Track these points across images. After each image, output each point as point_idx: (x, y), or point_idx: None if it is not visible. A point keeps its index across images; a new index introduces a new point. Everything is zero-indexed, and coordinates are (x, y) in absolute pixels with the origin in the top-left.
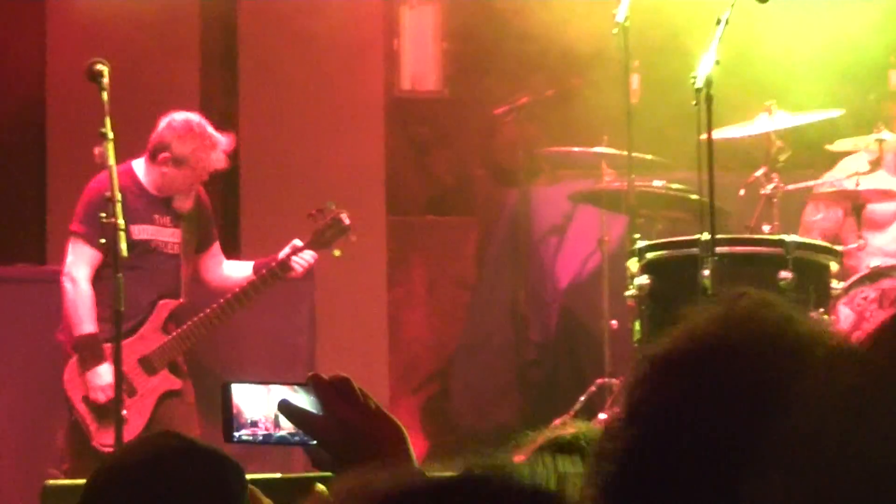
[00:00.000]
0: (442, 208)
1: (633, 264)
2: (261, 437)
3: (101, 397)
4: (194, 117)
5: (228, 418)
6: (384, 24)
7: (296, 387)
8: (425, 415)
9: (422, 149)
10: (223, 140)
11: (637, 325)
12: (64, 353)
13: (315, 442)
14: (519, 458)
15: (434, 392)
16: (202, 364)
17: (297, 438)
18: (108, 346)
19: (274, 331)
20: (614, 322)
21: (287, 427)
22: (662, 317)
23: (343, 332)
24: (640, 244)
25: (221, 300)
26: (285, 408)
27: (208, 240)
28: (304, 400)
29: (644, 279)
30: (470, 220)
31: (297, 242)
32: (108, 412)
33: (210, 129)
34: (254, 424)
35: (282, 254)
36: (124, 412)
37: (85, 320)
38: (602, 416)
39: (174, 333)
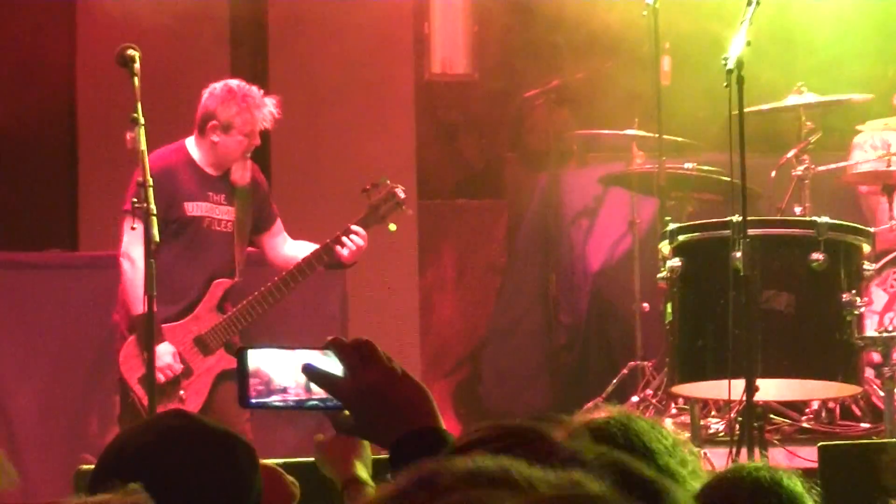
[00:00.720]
0: (472, 192)
1: (664, 247)
2: (292, 403)
3: (161, 377)
4: (233, 82)
5: (244, 383)
6: (414, 7)
7: (325, 351)
8: (457, 399)
9: (452, 132)
10: (267, 100)
11: (669, 308)
12: (119, 335)
13: (342, 407)
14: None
15: (465, 376)
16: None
17: (329, 404)
18: (165, 327)
19: (306, 317)
20: (646, 305)
21: (318, 393)
22: (694, 299)
23: (374, 318)
24: (672, 227)
25: (276, 278)
26: (309, 371)
27: (269, 219)
28: (332, 364)
29: (676, 262)
30: (500, 204)
31: (354, 228)
32: (166, 392)
33: (253, 90)
34: (284, 391)
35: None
36: (182, 392)
37: (143, 300)
38: (634, 398)
39: (229, 313)
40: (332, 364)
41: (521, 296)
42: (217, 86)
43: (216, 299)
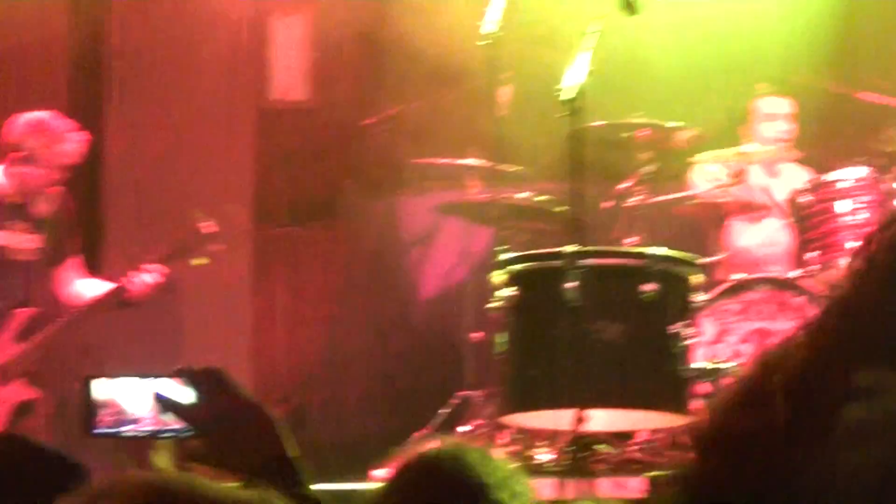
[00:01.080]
0: (308, 218)
1: (497, 276)
2: (146, 432)
3: None
4: (44, 114)
5: (88, 412)
6: (254, 33)
7: (174, 379)
8: (291, 423)
9: (290, 159)
10: (74, 134)
11: (500, 338)
12: None
13: (193, 432)
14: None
15: (296, 404)
16: (64, 373)
17: (182, 433)
18: None
19: (141, 340)
20: (478, 334)
21: (173, 422)
22: (526, 329)
23: (207, 342)
24: (505, 256)
25: (73, 311)
26: (160, 399)
27: (65, 253)
28: (184, 393)
29: (508, 291)
30: (337, 231)
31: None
32: None
33: (59, 123)
34: (136, 421)
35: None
36: None
37: None
38: (464, 428)
39: (29, 343)
40: (184, 392)
41: (353, 324)
42: (26, 116)
43: (16, 329)
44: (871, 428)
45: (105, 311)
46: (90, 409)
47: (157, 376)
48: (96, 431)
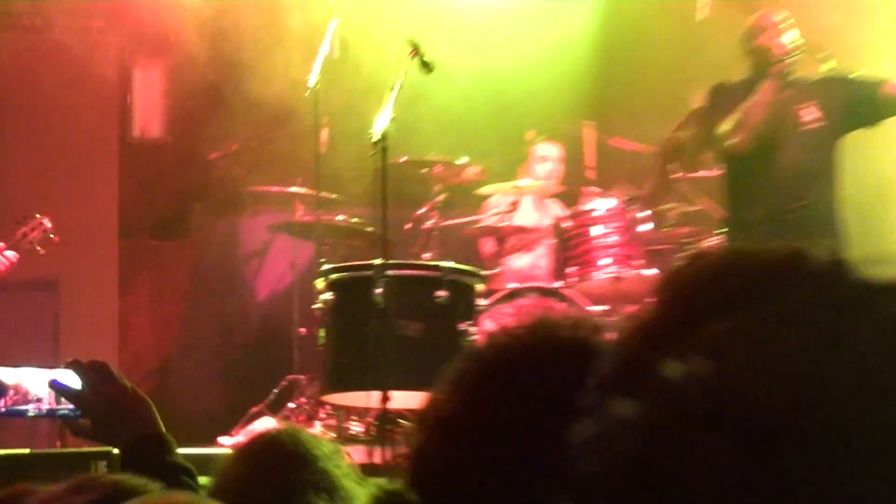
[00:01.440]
0: (165, 234)
1: (319, 283)
2: (45, 411)
3: None
4: None
5: None
6: (120, 80)
7: (65, 369)
8: (152, 401)
9: (148, 186)
10: None
11: (322, 332)
12: None
13: (79, 414)
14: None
15: (156, 384)
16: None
17: (72, 413)
18: None
19: (23, 333)
20: (303, 329)
21: (66, 404)
22: (342, 325)
23: (80, 334)
24: (325, 267)
25: None
26: (54, 385)
27: None
28: (75, 380)
29: (328, 295)
30: (187, 244)
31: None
32: None
33: None
34: (38, 401)
35: None
36: None
37: None
38: (291, 405)
39: None
40: (75, 380)
41: (202, 319)
42: None
43: None
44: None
45: None
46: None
47: (52, 367)
48: (3, 411)
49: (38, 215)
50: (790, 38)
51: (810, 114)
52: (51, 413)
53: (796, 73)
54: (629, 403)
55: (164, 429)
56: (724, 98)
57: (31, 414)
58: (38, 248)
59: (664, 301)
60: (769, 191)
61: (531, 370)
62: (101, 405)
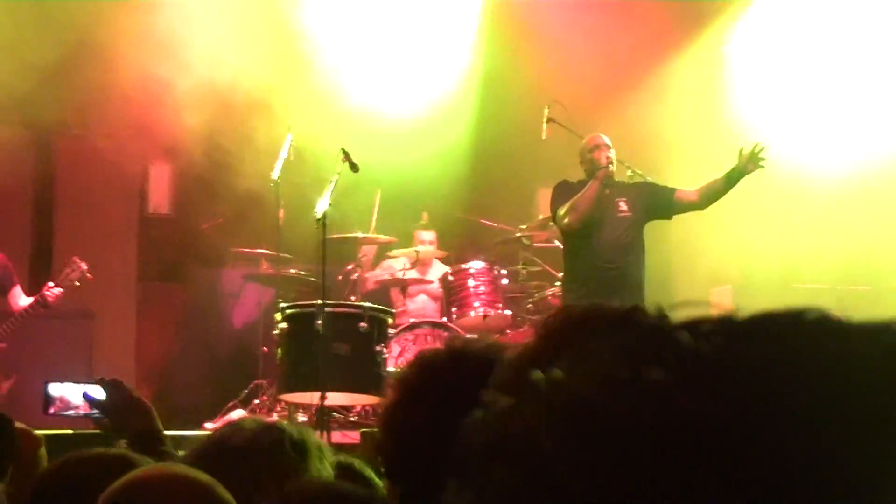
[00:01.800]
0: (169, 278)
1: (278, 316)
2: (82, 414)
3: None
4: None
5: (45, 401)
6: (140, 174)
7: (94, 385)
8: (158, 397)
9: (158, 246)
10: None
11: (279, 350)
12: None
13: (104, 416)
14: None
15: (161, 385)
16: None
17: (97, 415)
18: None
19: (65, 354)
20: (266, 348)
21: (93, 409)
22: (294, 346)
23: (109, 356)
24: (282, 305)
25: (12, 318)
26: (85, 397)
27: (10, 283)
28: (100, 392)
29: (284, 325)
30: (184, 287)
31: (50, 284)
32: None
33: None
34: (77, 407)
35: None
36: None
37: None
38: (256, 401)
39: None
40: (100, 392)
41: (196, 341)
42: None
43: None
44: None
45: (38, 311)
46: (47, 399)
47: (88, 381)
48: (50, 412)
49: (75, 258)
50: (611, 154)
51: (622, 206)
52: (86, 416)
53: (614, 178)
54: (507, 399)
55: (160, 426)
56: (565, 190)
57: (72, 415)
58: (77, 283)
59: (541, 335)
60: (592, 257)
61: (452, 375)
62: (117, 409)
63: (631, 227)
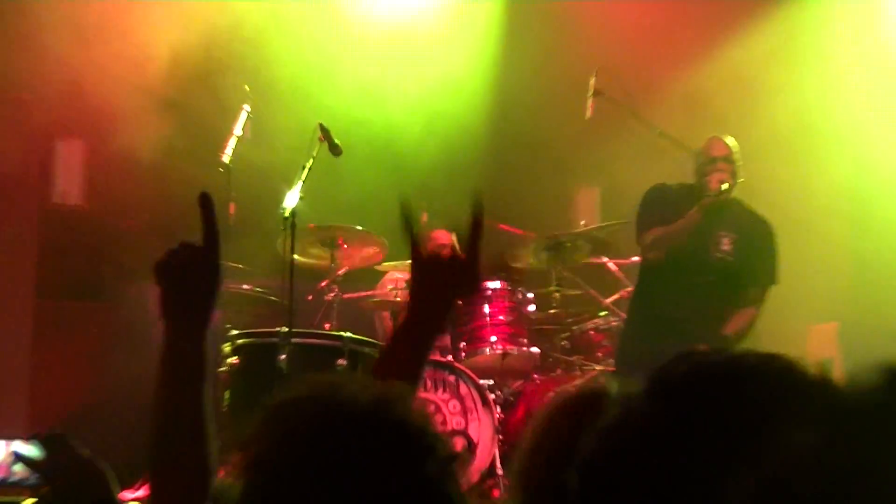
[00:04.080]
0: (80, 295)
1: (227, 347)
2: (16, 480)
3: None
4: None
5: None
6: (42, 152)
7: (29, 441)
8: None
9: (65, 250)
10: None
11: (227, 394)
12: None
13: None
14: None
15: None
16: None
17: (34, 481)
18: None
19: None
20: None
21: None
22: (246, 389)
23: None
24: (232, 332)
25: None
26: (17, 456)
27: None
28: (34, 449)
29: (233, 359)
30: (103, 306)
31: None
32: None
33: None
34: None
35: None
36: None
37: None
38: None
39: None
40: (36, 450)
41: (111, 380)
42: None
43: None
44: None
45: None
46: None
47: (17, 438)
48: None
49: None
50: (731, 171)
51: (724, 244)
52: (21, 482)
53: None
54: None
55: (116, 496)
56: (657, 205)
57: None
58: None
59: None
60: (665, 304)
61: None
62: (58, 474)
63: (731, 276)
